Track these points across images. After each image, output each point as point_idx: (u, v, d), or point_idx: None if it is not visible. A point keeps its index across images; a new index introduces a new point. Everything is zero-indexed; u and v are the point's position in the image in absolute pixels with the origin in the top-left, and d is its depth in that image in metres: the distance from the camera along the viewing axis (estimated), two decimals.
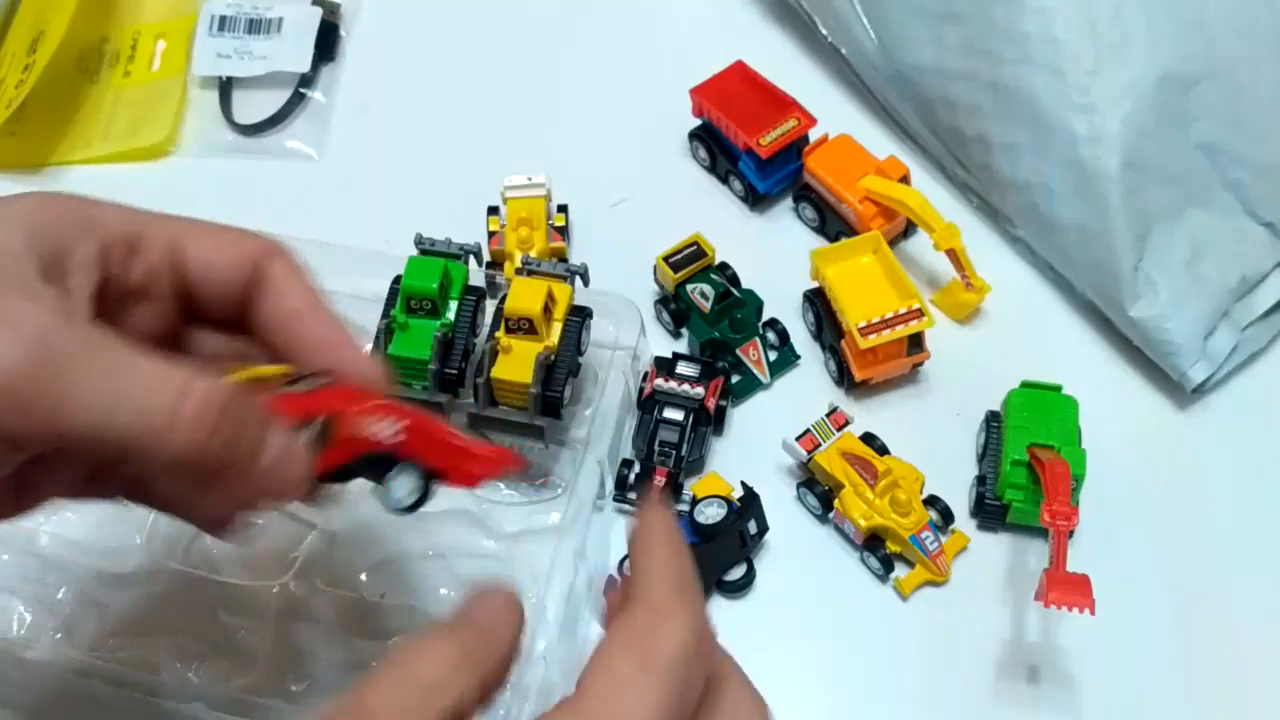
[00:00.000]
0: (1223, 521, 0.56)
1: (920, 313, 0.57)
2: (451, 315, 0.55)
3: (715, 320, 0.60)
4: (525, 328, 0.53)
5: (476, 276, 0.57)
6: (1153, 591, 0.54)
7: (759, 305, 0.62)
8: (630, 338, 0.58)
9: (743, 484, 0.55)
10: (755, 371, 0.60)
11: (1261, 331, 0.61)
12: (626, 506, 0.57)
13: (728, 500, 0.53)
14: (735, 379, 0.60)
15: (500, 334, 0.53)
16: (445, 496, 0.53)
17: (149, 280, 0.39)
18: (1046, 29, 0.60)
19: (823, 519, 0.56)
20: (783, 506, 0.56)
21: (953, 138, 0.65)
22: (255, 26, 0.73)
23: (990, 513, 0.56)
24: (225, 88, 0.72)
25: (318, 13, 0.73)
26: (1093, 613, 0.47)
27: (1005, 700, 0.52)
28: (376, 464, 0.40)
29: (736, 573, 0.55)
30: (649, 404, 0.57)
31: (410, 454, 0.40)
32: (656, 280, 0.62)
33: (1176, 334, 0.58)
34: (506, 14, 0.75)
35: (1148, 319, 0.58)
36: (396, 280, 0.55)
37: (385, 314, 0.55)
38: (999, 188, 0.64)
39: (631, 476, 0.57)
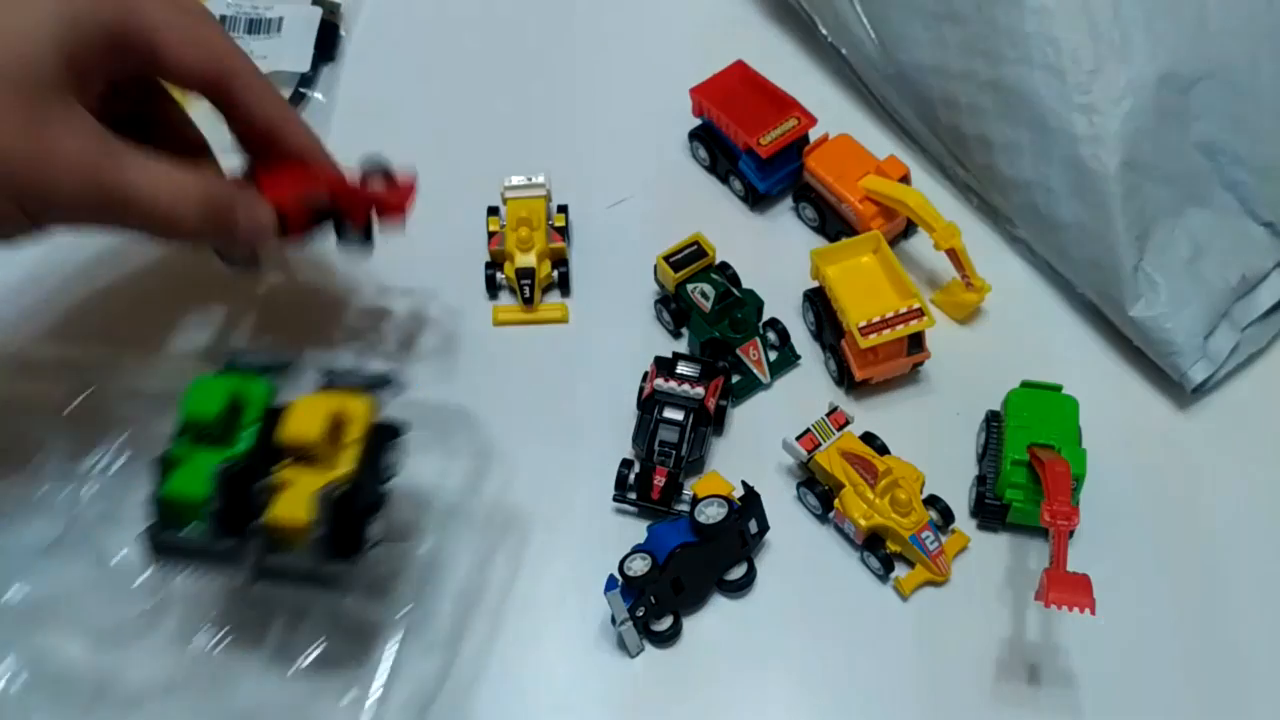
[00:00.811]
0: (1223, 521, 0.56)
1: (920, 312, 0.57)
2: (245, 444, 0.46)
3: (716, 320, 0.60)
4: (307, 457, 0.45)
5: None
6: (1153, 591, 0.54)
7: (759, 305, 0.62)
8: (473, 450, 0.54)
9: (743, 483, 0.55)
10: (755, 371, 0.60)
11: (1261, 331, 0.61)
12: (626, 507, 0.57)
13: (728, 500, 0.53)
14: (735, 379, 0.60)
15: (283, 465, 0.45)
16: (243, 655, 0.51)
17: (131, 78, 0.51)
18: (1046, 29, 0.60)
19: (823, 519, 0.56)
20: (783, 506, 0.56)
21: (953, 137, 0.65)
22: (255, 26, 0.73)
23: (990, 513, 0.55)
24: None
25: (318, 13, 0.73)
26: (1093, 612, 0.47)
27: (1005, 700, 0.52)
28: (327, 216, 0.55)
29: (737, 572, 0.55)
30: (649, 404, 0.57)
31: (344, 207, 0.55)
32: (656, 280, 0.62)
33: (1176, 334, 0.58)
34: (506, 14, 0.76)
35: (1148, 319, 0.58)
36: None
37: (170, 442, 0.47)
38: (999, 187, 0.63)
39: (631, 476, 0.57)
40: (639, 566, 0.52)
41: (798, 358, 0.62)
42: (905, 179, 0.63)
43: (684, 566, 0.52)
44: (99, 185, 0.46)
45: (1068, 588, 0.48)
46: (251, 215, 0.52)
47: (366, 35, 0.75)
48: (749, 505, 0.54)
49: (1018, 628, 0.53)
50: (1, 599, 0.52)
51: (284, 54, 0.72)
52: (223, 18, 0.73)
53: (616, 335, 0.62)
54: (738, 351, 0.60)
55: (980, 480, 0.56)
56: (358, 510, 0.46)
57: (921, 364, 0.60)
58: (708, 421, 0.58)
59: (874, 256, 0.60)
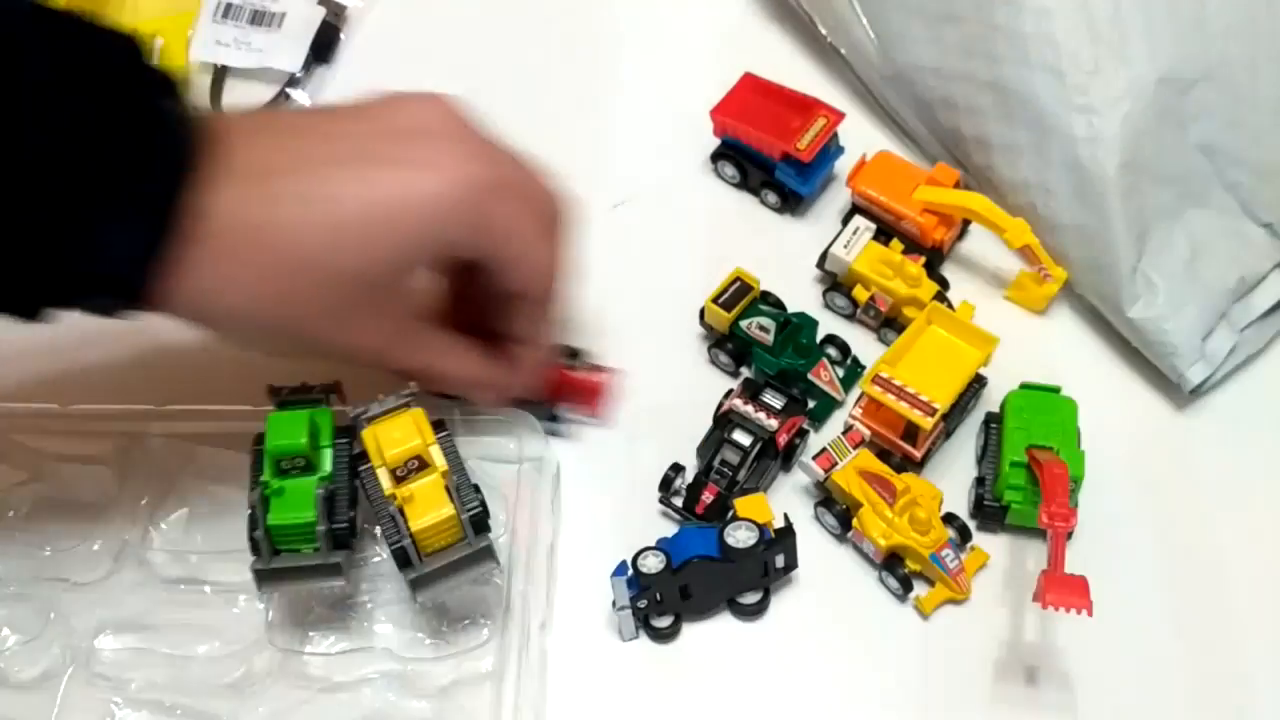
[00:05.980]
0: (1221, 522, 0.57)
1: (933, 409, 0.54)
2: (329, 466, 0.51)
3: (780, 351, 0.59)
4: (416, 466, 0.50)
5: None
6: (1151, 592, 0.55)
7: (815, 325, 0.60)
8: (535, 449, 0.57)
9: (785, 516, 0.54)
10: (830, 392, 0.59)
11: (1260, 332, 0.61)
12: (671, 513, 0.57)
13: (762, 528, 0.53)
14: (811, 405, 0.59)
15: (393, 488, 0.49)
16: (368, 660, 0.53)
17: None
18: (1045, 29, 0.60)
19: (841, 538, 0.56)
20: (800, 526, 0.55)
21: (952, 138, 0.65)
22: (258, 18, 0.72)
23: (989, 514, 0.56)
24: (219, 76, 0.72)
25: (321, 13, 0.72)
26: (1090, 614, 0.47)
27: (1004, 701, 0.52)
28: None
29: (751, 598, 0.54)
30: (723, 420, 0.56)
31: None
32: (704, 323, 0.61)
33: (1175, 335, 0.58)
34: (510, 32, 0.74)
35: (1146, 320, 0.59)
36: (258, 441, 0.51)
37: (254, 482, 0.50)
38: (998, 188, 0.64)
39: (678, 482, 0.56)
40: (652, 564, 0.52)
41: (862, 367, 0.61)
42: (959, 185, 0.62)
43: (696, 577, 0.52)
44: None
45: (1065, 589, 0.48)
46: (506, 394, 0.56)
47: (367, 41, 0.74)
48: (781, 539, 0.53)
49: (1016, 629, 0.54)
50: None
51: (279, 50, 0.71)
52: (229, 5, 0.72)
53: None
54: (809, 376, 0.59)
55: (979, 482, 0.57)
56: (470, 489, 0.50)
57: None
58: (775, 455, 0.56)
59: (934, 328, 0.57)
